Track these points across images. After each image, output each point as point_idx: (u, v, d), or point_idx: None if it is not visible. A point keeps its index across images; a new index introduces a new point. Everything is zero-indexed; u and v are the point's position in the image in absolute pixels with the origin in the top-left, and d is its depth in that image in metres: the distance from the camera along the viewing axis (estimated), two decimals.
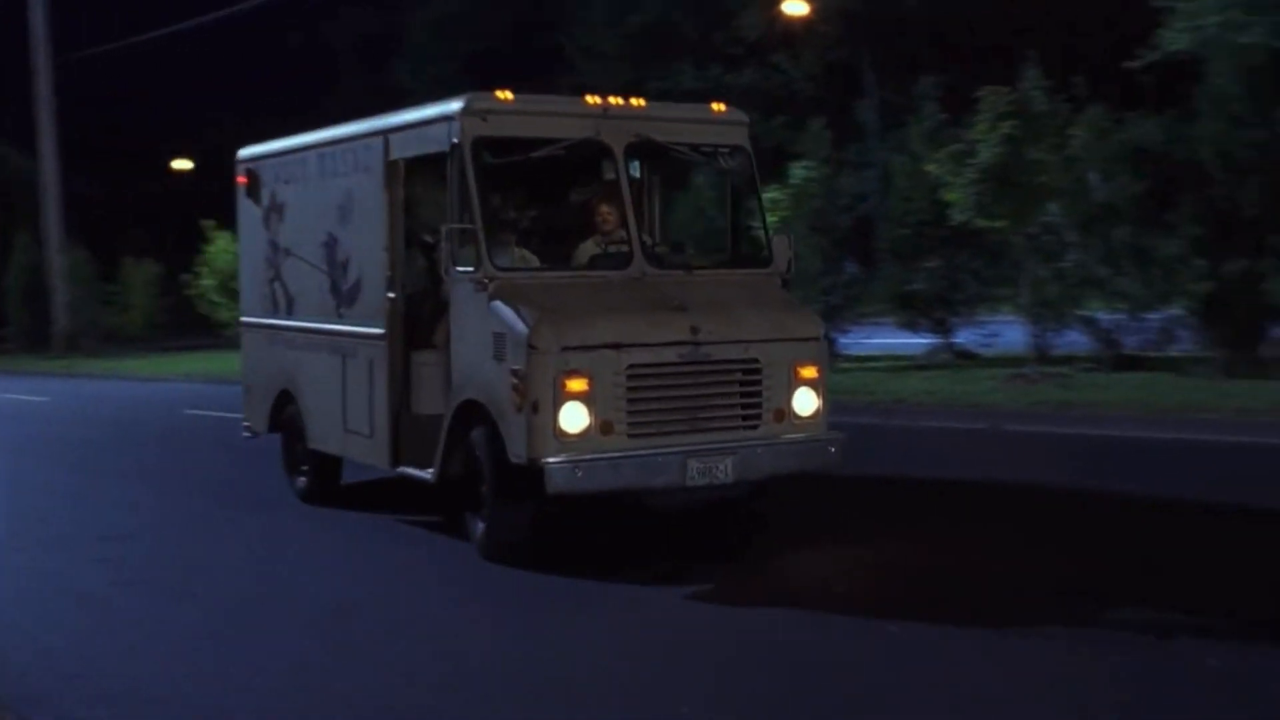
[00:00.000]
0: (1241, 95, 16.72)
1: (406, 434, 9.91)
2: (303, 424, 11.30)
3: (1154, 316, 18.26)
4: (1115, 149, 17.94)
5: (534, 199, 10.39)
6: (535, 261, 9.50)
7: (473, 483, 8.93)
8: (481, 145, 8.84)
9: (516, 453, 8.38)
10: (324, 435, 10.96)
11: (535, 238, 9.88)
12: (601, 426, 8.34)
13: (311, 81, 48.67)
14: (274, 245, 11.78)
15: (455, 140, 8.85)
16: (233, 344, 28.32)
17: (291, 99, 45.08)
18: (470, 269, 8.75)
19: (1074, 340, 19.25)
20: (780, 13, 30.88)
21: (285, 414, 11.70)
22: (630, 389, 8.43)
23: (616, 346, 8.37)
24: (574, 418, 8.26)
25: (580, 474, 8.13)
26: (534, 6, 40.41)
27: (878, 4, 35.92)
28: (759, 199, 9.83)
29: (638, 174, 10.22)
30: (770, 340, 8.91)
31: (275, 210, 11.76)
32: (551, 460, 8.12)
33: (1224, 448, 12.55)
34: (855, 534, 9.37)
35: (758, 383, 8.86)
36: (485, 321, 8.66)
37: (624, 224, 9.14)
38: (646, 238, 9.68)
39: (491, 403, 8.62)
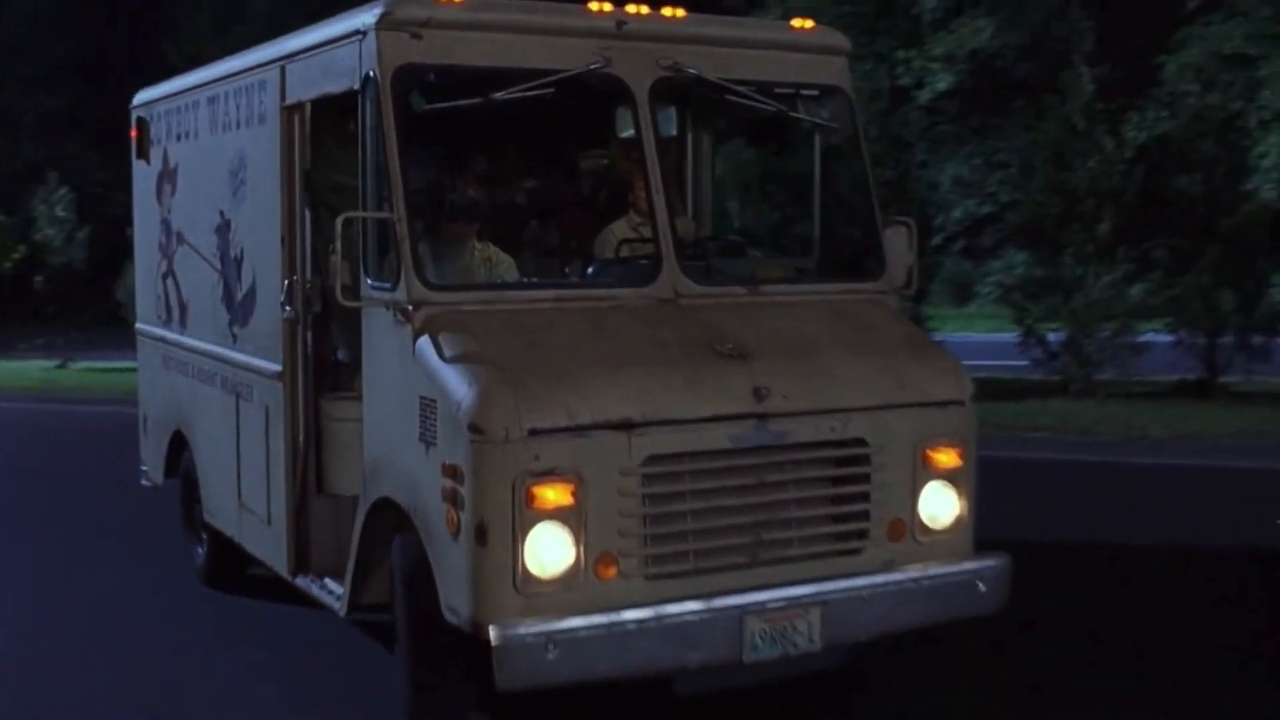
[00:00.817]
0: (877, 136, 17.34)
1: (317, 524, 6.48)
2: (197, 483, 7.91)
3: None
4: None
5: (505, 168, 6.85)
6: (508, 266, 6.03)
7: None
8: (410, 79, 5.31)
9: (451, 606, 4.91)
10: (218, 506, 7.55)
11: (510, 227, 6.38)
12: (598, 564, 4.85)
13: None
14: (166, 226, 8.35)
15: (369, 72, 5.34)
16: None
17: None
18: (386, 286, 5.27)
19: None
20: None
21: (183, 461, 8.31)
22: (650, 499, 4.93)
23: (626, 426, 4.87)
24: (549, 551, 4.78)
25: (555, 655, 4.64)
26: (137, 9, 36.55)
27: None
28: (865, 169, 6.22)
29: (673, 129, 6.68)
30: (886, 407, 5.38)
31: (167, 176, 8.32)
32: (508, 630, 4.63)
33: None
34: None
35: (864, 479, 5.34)
36: (407, 376, 5.18)
37: (649, 212, 5.62)
38: (684, 229, 6.15)
39: (416, 511, 5.15)
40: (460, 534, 4.78)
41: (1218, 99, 17.45)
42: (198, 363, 7.74)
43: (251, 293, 6.81)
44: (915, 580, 5.36)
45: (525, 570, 4.74)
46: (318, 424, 6.39)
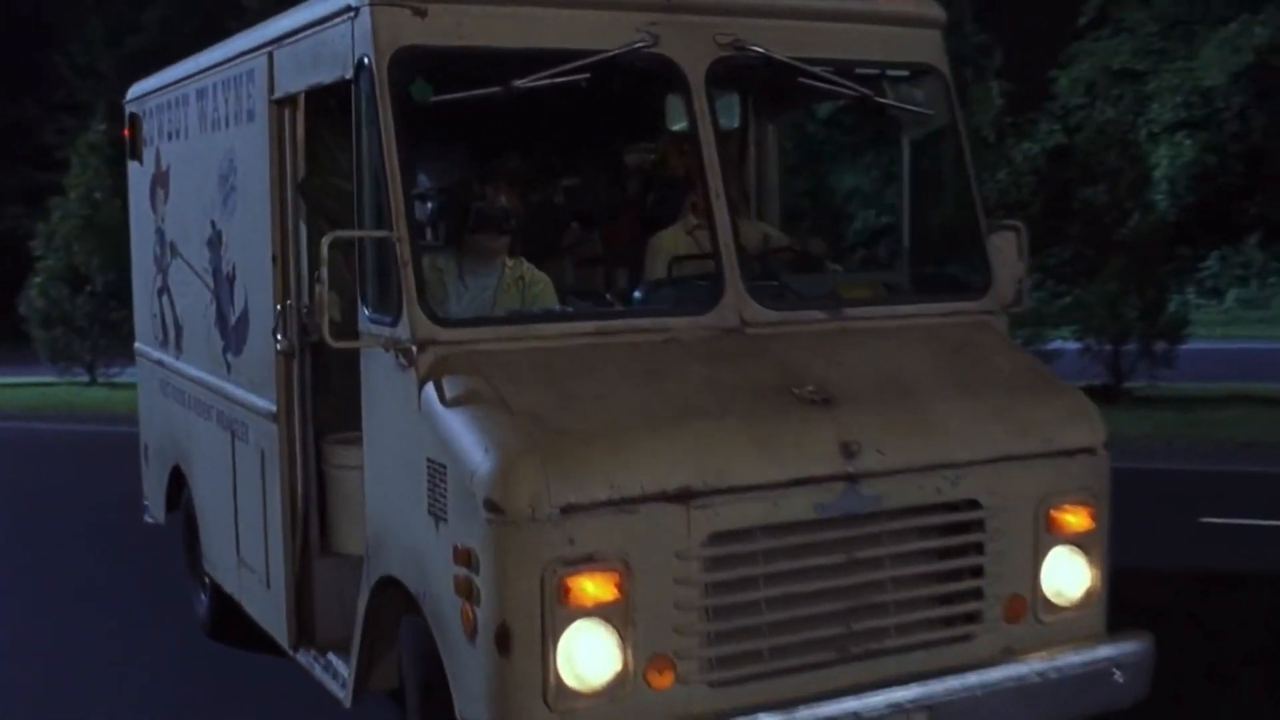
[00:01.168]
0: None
1: (322, 589, 5.54)
2: (197, 527, 7.01)
3: None
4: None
5: (534, 170, 5.86)
6: (544, 287, 5.04)
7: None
8: (412, 64, 4.33)
9: (467, 719, 3.96)
10: (217, 557, 6.64)
11: (545, 239, 5.40)
12: (650, 670, 3.88)
13: None
14: (160, 236, 7.44)
15: (363, 57, 4.37)
16: None
17: None
18: (385, 320, 4.30)
19: None
20: None
21: (183, 498, 7.41)
22: (714, 588, 3.95)
23: (684, 497, 3.88)
24: (588, 658, 3.80)
25: None
26: (28, 18, 35.43)
27: None
28: (965, 163, 5.19)
29: (735, 120, 5.67)
30: (1003, 459, 4.37)
31: (160, 180, 7.40)
32: None
33: None
34: None
35: (977, 549, 4.34)
36: (412, 432, 4.21)
37: (708, 220, 4.62)
38: (750, 240, 5.14)
39: (425, 598, 4.19)
40: (477, 635, 3.82)
41: (1110, 113, 17.75)
42: (193, 392, 6.83)
43: (244, 317, 5.87)
44: (1039, 672, 4.35)
45: (559, 682, 3.77)
46: (320, 471, 5.46)
